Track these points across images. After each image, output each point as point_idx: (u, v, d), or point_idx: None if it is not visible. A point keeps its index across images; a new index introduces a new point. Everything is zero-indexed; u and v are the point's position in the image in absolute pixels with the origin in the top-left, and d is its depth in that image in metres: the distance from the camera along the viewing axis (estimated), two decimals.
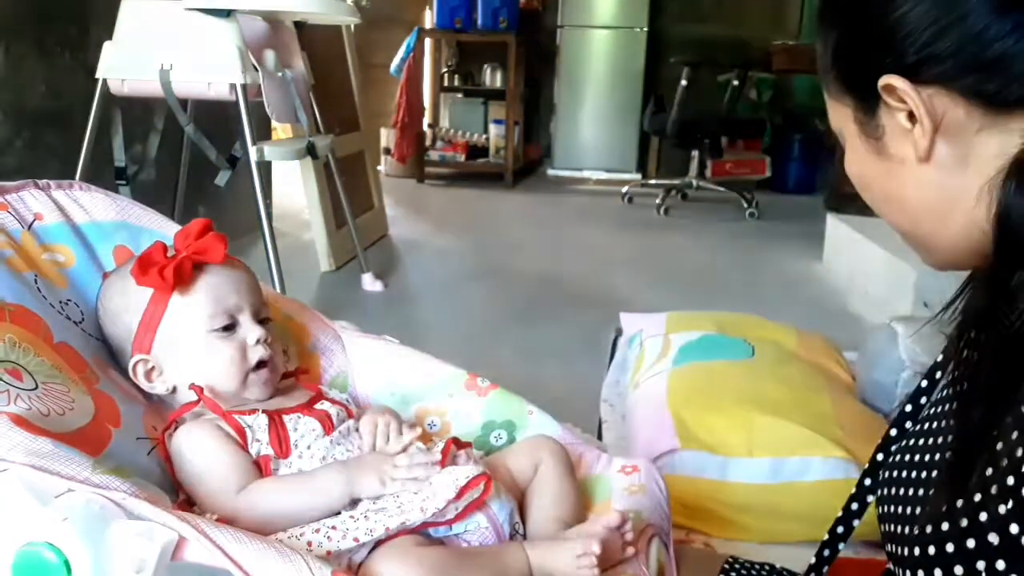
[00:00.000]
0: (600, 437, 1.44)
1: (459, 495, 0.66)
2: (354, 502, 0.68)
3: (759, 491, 1.19)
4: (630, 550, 0.72)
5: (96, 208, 0.86)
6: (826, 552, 0.77)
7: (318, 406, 0.78)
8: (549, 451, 0.80)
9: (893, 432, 0.71)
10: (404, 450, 0.72)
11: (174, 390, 0.78)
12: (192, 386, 0.75)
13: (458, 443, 0.76)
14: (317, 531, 0.64)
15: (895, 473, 0.64)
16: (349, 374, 0.93)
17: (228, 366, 0.77)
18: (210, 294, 0.77)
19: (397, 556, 0.63)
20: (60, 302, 0.77)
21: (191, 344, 0.76)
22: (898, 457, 0.65)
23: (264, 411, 0.75)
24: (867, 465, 0.75)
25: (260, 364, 0.78)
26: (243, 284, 0.81)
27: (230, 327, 0.78)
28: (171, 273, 0.74)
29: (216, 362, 0.76)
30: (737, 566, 0.90)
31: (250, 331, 0.79)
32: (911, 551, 0.56)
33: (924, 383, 0.70)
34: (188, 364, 0.77)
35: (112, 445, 0.68)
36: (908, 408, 0.71)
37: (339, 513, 0.67)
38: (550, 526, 0.74)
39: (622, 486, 0.83)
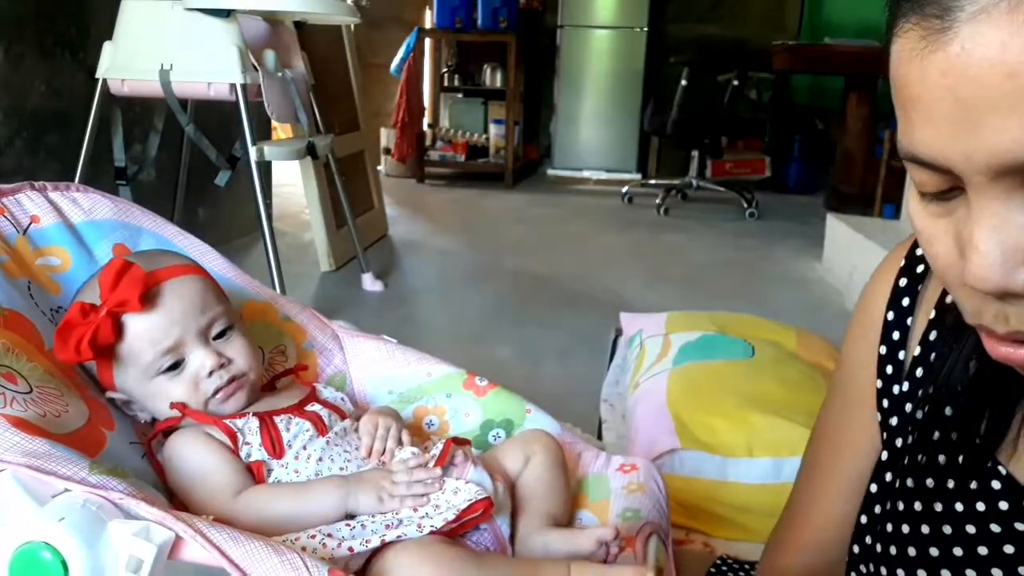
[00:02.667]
0: (600, 437, 1.44)
1: (458, 519, 0.66)
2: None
3: (759, 491, 1.19)
4: (628, 550, 0.72)
5: (94, 208, 0.85)
6: None
7: (309, 407, 0.77)
8: (541, 445, 0.79)
9: (873, 488, 0.60)
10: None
11: (153, 420, 0.76)
12: (174, 404, 0.74)
13: (456, 441, 0.76)
14: (312, 537, 0.63)
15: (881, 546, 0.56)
16: (347, 374, 0.92)
17: (184, 400, 0.74)
18: (142, 341, 0.72)
19: (415, 552, 0.62)
20: (51, 309, 0.77)
21: (143, 390, 0.74)
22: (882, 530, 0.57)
23: (255, 413, 0.74)
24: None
25: (225, 382, 0.75)
26: (183, 309, 0.74)
27: (176, 365, 0.74)
28: (86, 346, 0.69)
29: (171, 400, 0.74)
30: (724, 568, 0.90)
31: (202, 362, 0.74)
32: None
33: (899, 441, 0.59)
34: (151, 404, 0.75)
35: (107, 447, 0.68)
36: (884, 455, 0.60)
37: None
38: (537, 521, 0.74)
39: (621, 485, 0.83)
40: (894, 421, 0.59)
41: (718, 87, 4.73)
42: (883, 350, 0.60)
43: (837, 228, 3.28)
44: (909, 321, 0.59)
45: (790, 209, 4.77)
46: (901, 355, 0.59)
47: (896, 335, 0.60)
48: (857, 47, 4.38)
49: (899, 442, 0.58)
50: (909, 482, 0.56)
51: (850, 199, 4.30)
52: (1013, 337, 0.41)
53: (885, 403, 0.60)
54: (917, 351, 0.58)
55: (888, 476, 0.58)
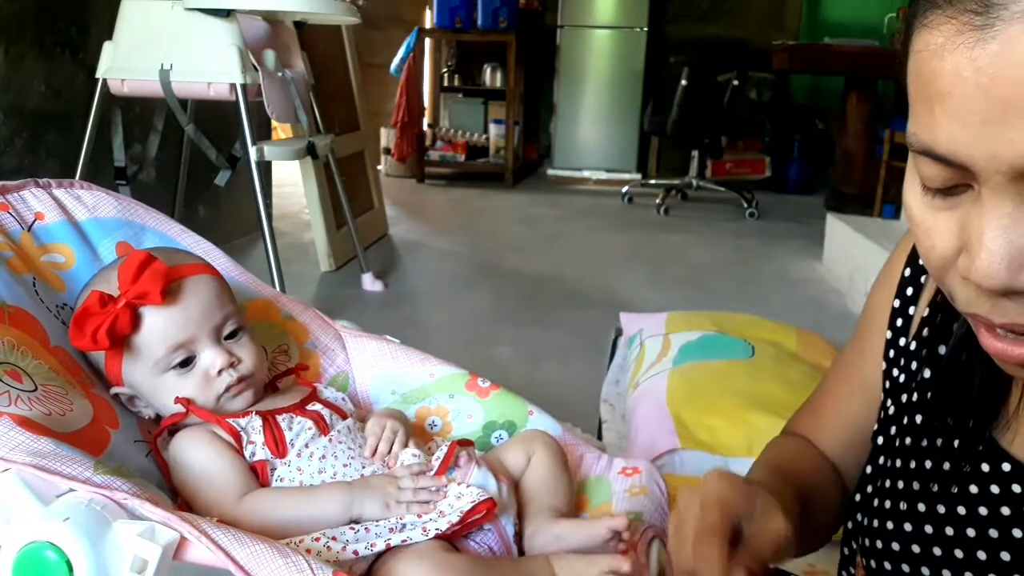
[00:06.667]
0: (600, 437, 1.44)
1: (462, 520, 0.66)
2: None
3: None
4: (631, 553, 0.72)
5: (98, 205, 0.85)
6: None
7: (310, 407, 0.78)
8: (542, 443, 0.80)
9: (880, 440, 0.62)
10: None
11: (157, 418, 0.76)
12: (178, 399, 0.74)
13: (460, 443, 0.76)
14: (316, 540, 0.63)
15: (879, 503, 0.58)
16: (350, 374, 0.92)
17: (192, 397, 0.75)
18: (155, 336, 0.73)
19: (420, 560, 0.63)
20: (56, 306, 0.77)
21: (152, 385, 0.75)
22: (882, 497, 0.58)
23: (257, 412, 0.75)
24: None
25: (235, 381, 0.76)
26: (199, 307, 0.75)
27: (187, 361, 0.74)
28: (104, 335, 0.70)
29: (182, 395, 0.75)
30: None
31: (213, 360, 0.75)
32: None
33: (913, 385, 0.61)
34: (159, 399, 0.75)
35: (111, 446, 0.68)
36: (890, 408, 0.61)
37: None
38: (543, 515, 0.74)
39: (623, 488, 0.83)
40: (900, 376, 0.61)
41: (718, 87, 4.73)
42: (896, 303, 0.63)
43: (837, 228, 3.29)
44: (923, 279, 0.61)
45: (790, 209, 4.78)
46: (911, 311, 0.62)
47: (910, 291, 0.62)
48: (857, 47, 4.38)
49: (904, 398, 0.60)
50: (912, 463, 0.57)
51: (850, 199, 4.31)
52: (1009, 327, 0.41)
53: (891, 353, 0.63)
54: (926, 312, 0.60)
55: (893, 430, 0.60)
